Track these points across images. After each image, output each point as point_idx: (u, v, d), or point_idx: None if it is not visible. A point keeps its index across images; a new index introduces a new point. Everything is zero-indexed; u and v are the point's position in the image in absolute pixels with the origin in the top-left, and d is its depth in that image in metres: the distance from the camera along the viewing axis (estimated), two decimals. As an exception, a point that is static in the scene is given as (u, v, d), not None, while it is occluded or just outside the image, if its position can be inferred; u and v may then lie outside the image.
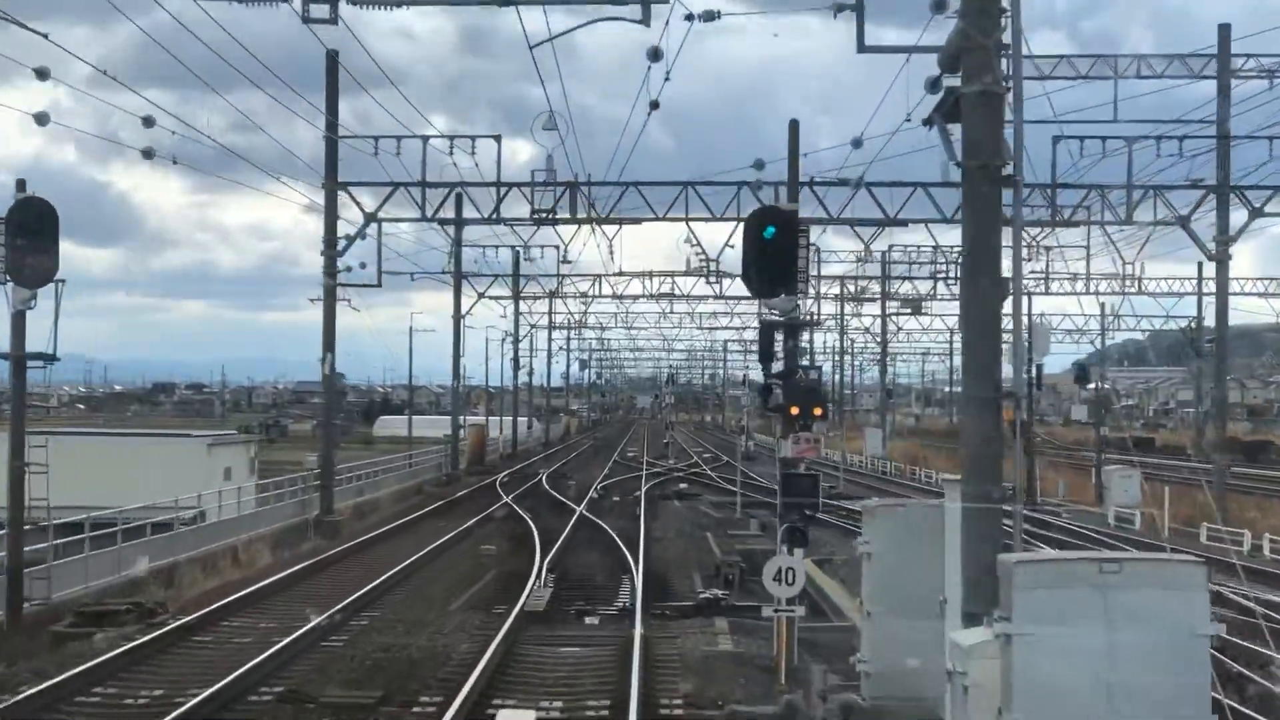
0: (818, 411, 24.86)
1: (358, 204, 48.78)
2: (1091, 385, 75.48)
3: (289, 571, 35.48)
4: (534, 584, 32.03)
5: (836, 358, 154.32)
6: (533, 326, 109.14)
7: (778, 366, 25.70)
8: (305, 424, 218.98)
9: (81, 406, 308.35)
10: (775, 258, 24.60)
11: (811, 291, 79.01)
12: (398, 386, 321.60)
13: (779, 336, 25.51)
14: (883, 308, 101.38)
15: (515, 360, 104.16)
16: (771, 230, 24.68)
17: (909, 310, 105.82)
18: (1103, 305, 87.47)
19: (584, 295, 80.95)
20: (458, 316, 78.02)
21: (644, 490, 63.50)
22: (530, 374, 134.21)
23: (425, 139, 48.83)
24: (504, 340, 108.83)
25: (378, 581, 32.84)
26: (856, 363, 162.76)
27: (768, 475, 79.86)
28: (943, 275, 72.91)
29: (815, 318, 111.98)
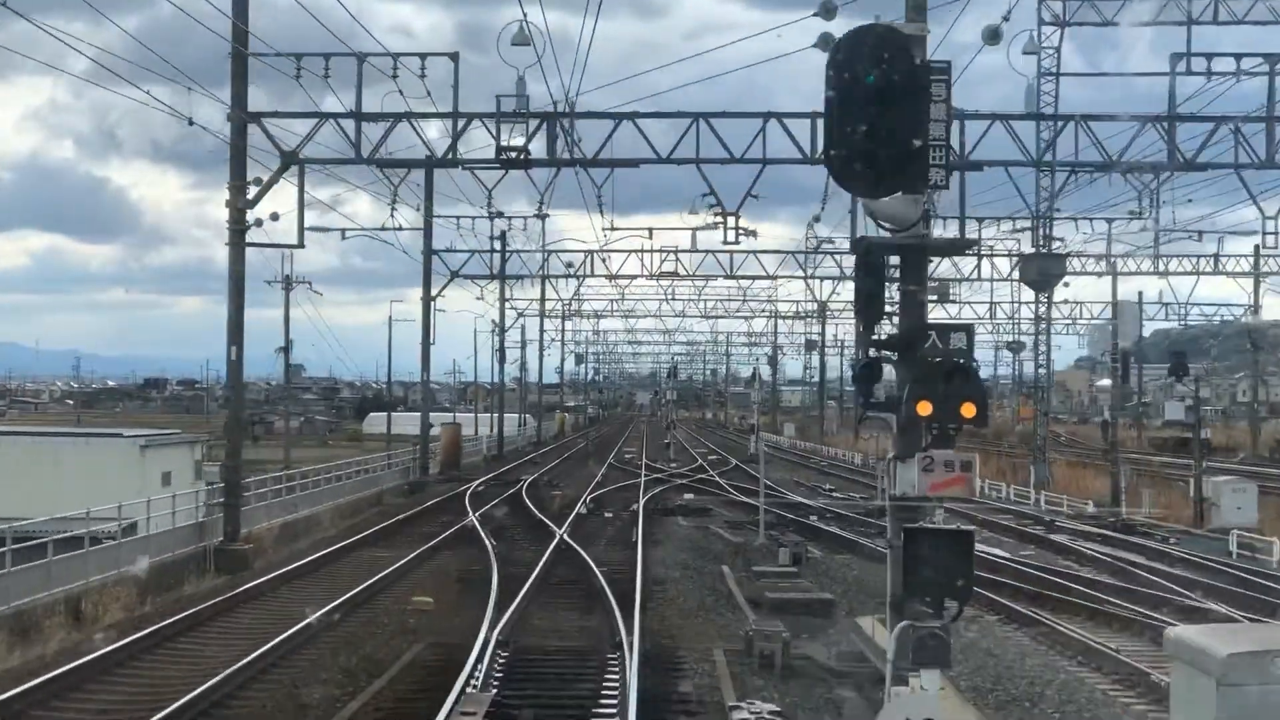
0: (969, 411, 12.98)
1: (273, 140, 36.84)
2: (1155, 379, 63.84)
3: (126, 641, 23.70)
4: (468, 679, 20.09)
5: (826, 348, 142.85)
6: (520, 314, 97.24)
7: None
8: (293, 420, 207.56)
9: (70, 403, 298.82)
10: (887, 121, 12.94)
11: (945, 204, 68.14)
12: (393, 382, 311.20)
13: (893, 272, 13.83)
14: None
15: (500, 350, 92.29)
16: (877, 72, 12.99)
17: (935, 297, 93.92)
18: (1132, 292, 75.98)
19: (570, 268, 68.76)
20: (427, 298, 66.09)
21: (642, 503, 51.69)
22: (521, 367, 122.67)
23: (361, 57, 36.95)
24: (493, 331, 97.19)
25: (242, 664, 21.08)
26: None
27: (784, 483, 68.04)
28: (1001, 248, 61.01)
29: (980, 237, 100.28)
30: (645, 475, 68.64)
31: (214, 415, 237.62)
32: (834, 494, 60.82)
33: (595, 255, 65.84)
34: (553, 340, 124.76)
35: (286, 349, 77.43)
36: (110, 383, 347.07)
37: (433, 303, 66.06)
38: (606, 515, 49.11)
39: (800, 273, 74.73)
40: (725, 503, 56.02)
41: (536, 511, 48.27)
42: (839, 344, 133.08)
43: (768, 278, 67.89)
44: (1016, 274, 66.69)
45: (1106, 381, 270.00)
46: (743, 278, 67.24)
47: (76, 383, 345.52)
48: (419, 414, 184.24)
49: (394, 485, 62.24)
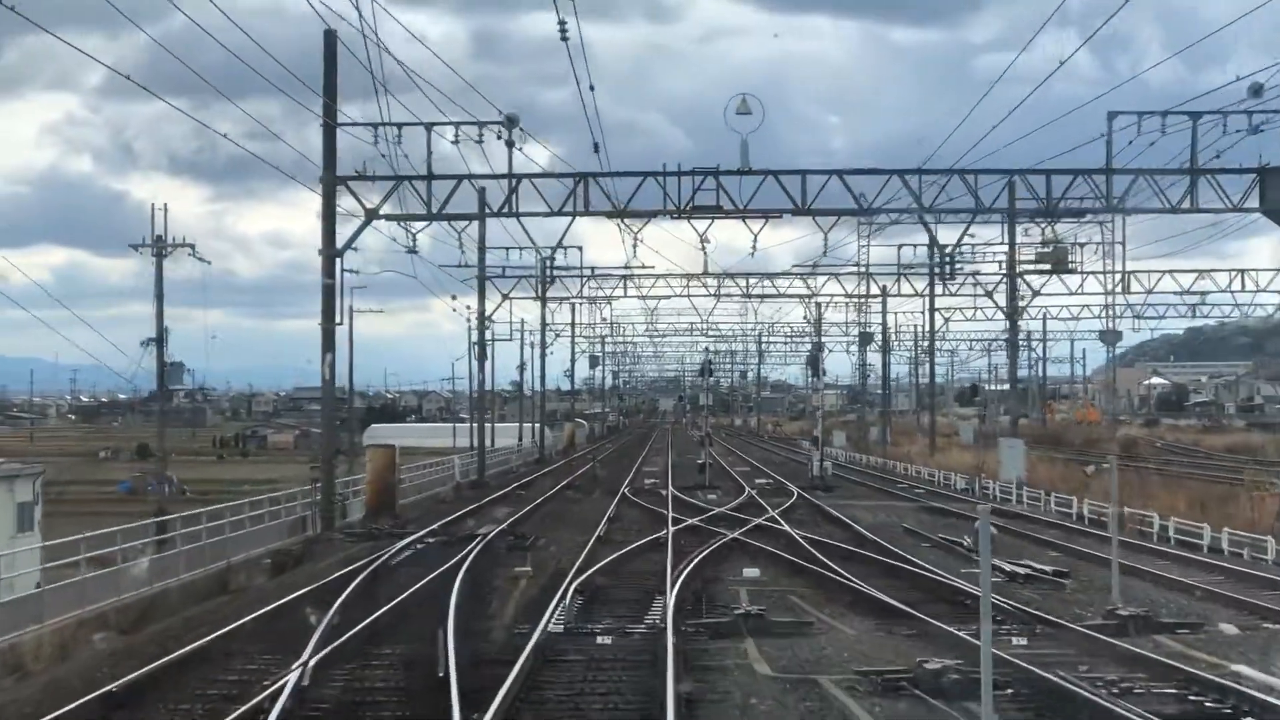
0: None
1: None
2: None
3: None
4: None
5: (898, 341, 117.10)
6: (506, 297, 71.08)
7: None
8: (291, 434, 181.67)
9: (73, 417, 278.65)
10: None
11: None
12: (405, 392, 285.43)
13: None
14: (1011, 262, 63.42)
15: (479, 342, 66.30)
16: None
17: (1048, 266, 67.96)
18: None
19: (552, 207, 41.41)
20: (330, 252, 40.10)
21: (672, 597, 26.01)
22: (520, 368, 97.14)
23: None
24: (476, 323, 71.18)
25: None
26: (908, 354, 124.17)
27: (884, 528, 42.33)
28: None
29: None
30: (674, 519, 42.77)
31: (215, 427, 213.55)
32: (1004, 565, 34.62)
33: (591, 180, 39.73)
34: (557, 336, 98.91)
35: (159, 341, 51.78)
36: (121, 396, 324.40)
37: (339, 261, 40.06)
38: (599, 640, 23.08)
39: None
40: (815, 583, 30.11)
41: (453, 637, 21.95)
42: (903, 333, 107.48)
43: (862, 212, 41.21)
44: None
45: (1159, 380, 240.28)
46: (820, 212, 40.70)
47: (88, 396, 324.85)
48: (432, 426, 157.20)
49: (268, 550, 36.39)
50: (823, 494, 57.98)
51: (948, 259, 45.75)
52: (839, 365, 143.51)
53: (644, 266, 55.61)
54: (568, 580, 28.98)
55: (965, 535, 38.61)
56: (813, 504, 52.31)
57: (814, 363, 72.77)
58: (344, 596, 26.74)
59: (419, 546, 37.09)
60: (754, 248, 41.71)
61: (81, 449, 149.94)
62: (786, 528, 41.29)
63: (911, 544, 38.42)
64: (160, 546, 34.22)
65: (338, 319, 40.74)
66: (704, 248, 41.34)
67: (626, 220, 41.49)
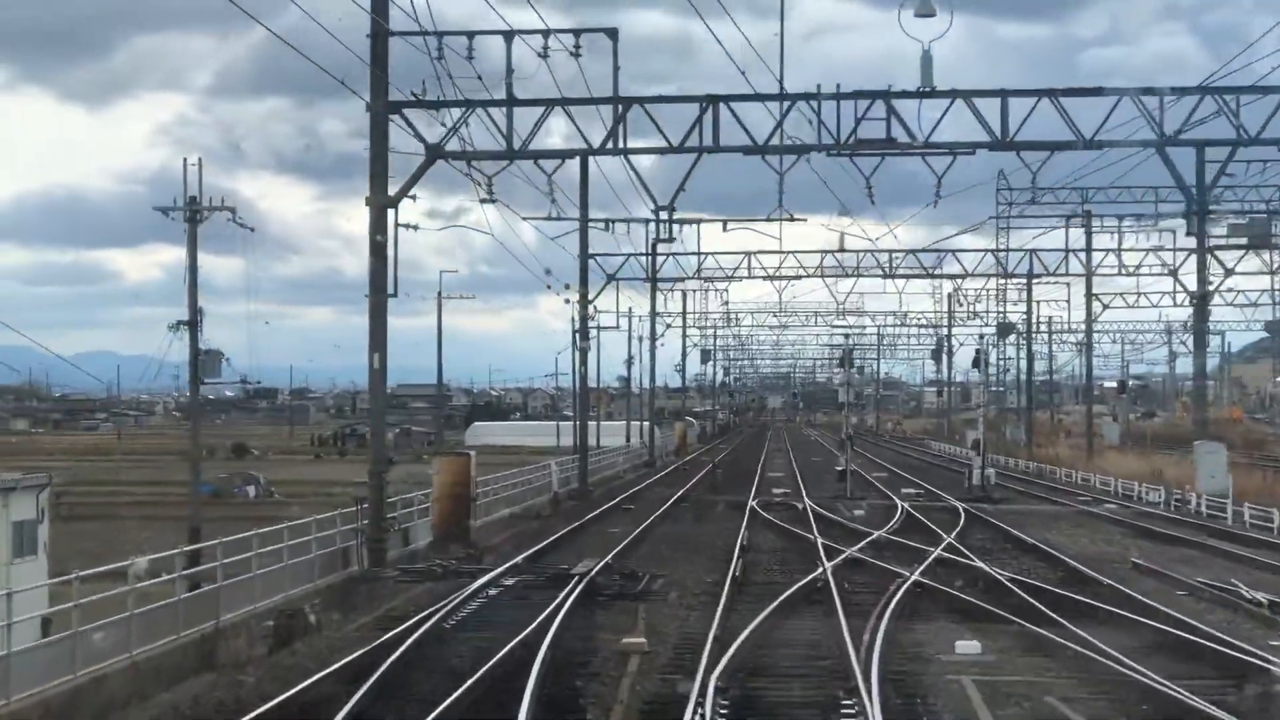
0: None
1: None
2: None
3: None
4: None
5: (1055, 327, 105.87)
6: (611, 278, 60.58)
7: None
8: (389, 432, 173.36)
9: (178, 414, 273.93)
10: None
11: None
12: (510, 389, 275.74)
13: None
14: (1200, 238, 52.20)
15: (581, 328, 55.97)
16: None
17: (1244, 242, 57.15)
18: None
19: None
20: (380, 199, 29.89)
21: (874, 700, 15.69)
22: (628, 362, 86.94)
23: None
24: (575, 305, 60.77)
25: None
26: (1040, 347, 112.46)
27: (1128, 576, 31.35)
28: None
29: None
30: (826, 549, 32.36)
31: (318, 425, 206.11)
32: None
33: (722, 106, 29.44)
34: (668, 327, 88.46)
35: (193, 324, 42.05)
36: (228, 393, 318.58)
37: (392, 212, 29.94)
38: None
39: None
40: (1076, 670, 19.46)
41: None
42: (1054, 325, 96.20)
43: (1084, 145, 29.71)
44: None
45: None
46: (1027, 146, 29.60)
47: (203, 395, 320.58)
48: (534, 424, 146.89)
49: (286, 598, 26.24)
50: (989, 508, 47.31)
51: (1194, 207, 35.07)
52: (963, 359, 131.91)
53: (792, 218, 44.69)
54: (703, 664, 18.63)
55: (1235, 581, 27.77)
56: (988, 523, 41.63)
57: (979, 354, 61.97)
58: (353, 702, 16.54)
59: (492, 592, 26.92)
60: (937, 195, 31.16)
61: (178, 447, 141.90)
62: (978, 563, 30.67)
63: (1163, 591, 27.61)
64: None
65: (391, 289, 30.73)
66: (869, 191, 30.73)
67: (767, 158, 31.04)
